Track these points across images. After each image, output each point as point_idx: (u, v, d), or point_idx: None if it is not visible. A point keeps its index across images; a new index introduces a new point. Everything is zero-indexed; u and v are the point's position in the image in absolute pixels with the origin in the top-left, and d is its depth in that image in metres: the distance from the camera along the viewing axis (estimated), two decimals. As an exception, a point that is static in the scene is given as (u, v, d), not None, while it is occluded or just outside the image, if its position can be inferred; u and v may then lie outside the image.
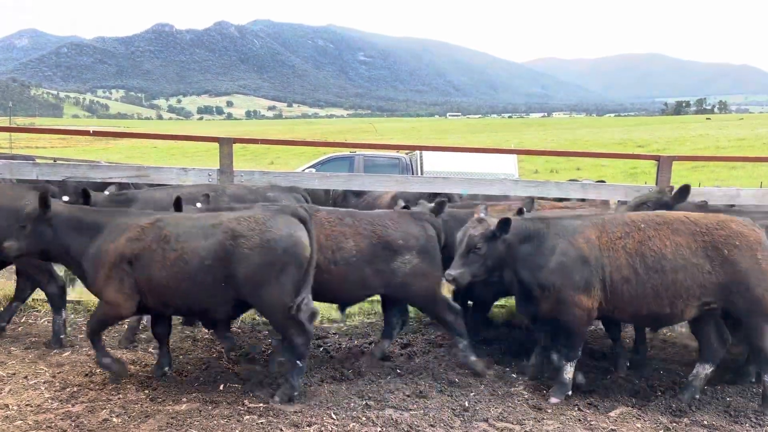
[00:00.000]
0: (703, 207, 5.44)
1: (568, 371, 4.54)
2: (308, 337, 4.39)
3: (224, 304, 4.36)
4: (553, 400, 4.49)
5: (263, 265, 4.18)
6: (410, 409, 4.29)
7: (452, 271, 4.47)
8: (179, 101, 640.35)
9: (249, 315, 6.49)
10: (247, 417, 4.08)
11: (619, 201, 6.19)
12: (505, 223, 4.39)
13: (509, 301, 6.57)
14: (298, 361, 4.35)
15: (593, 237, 4.37)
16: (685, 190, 5.43)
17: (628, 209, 5.41)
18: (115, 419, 3.99)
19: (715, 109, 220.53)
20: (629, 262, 4.28)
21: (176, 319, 6.25)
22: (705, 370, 4.55)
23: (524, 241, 4.49)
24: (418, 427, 4.04)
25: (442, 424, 4.11)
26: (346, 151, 14.43)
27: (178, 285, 4.23)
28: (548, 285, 4.38)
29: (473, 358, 5.00)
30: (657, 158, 6.94)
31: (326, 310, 6.70)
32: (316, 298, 4.62)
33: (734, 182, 25.52)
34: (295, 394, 4.35)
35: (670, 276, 4.23)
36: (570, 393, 4.54)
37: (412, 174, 13.29)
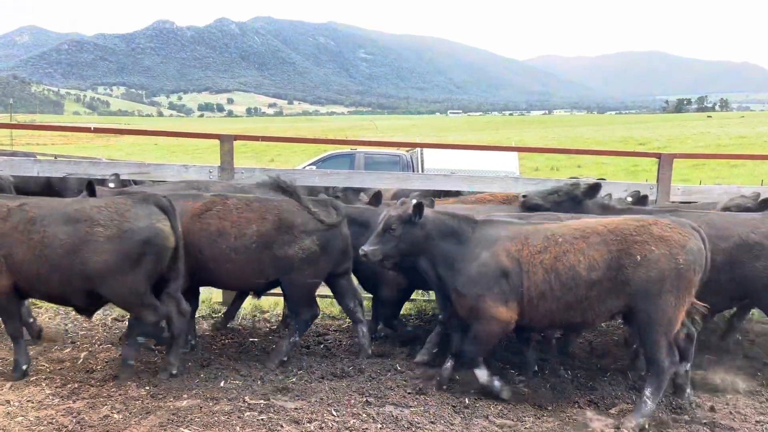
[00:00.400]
0: (606, 207, 5.40)
1: (482, 375, 4.44)
2: (160, 316, 4.51)
3: (79, 293, 4.41)
4: (505, 395, 4.41)
5: (118, 255, 4.25)
6: (410, 406, 4.30)
7: (366, 247, 4.46)
8: (180, 98, 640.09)
9: (249, 312, 6.51)
10: (248, 414, 4.09)
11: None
12: (418, 208, 4.36)
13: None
14: (138, 338, 4.57)
15: (514, 250, 4.25)
16: (595, 187, 5.44)
17: (539, 195, 5.42)
18: (115, 415, 4.00)
19: (716, 107, 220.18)
20: (546, 278, 4.16)
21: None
22: (684, 367, 4.48)
23: (446, 237, 4.41)
24: (419, 423, 4.04)
25: (443, 421, 4.12)
26: (347, 149, 14.41)
27: (39, 269, 4.27)
28: (466, 293, 4.30)
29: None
30: (658, 156, 6.94)
31: (326, 307, 6.71)
32: (224, 286, 5.23)
33: (735, 180, 25.49)
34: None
35: (583, 291, 4.11)
36: (498, 386, 4.42)
37: (413, 171, 13.29)
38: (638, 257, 4.04)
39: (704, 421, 4.27)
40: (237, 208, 4.88)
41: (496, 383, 4.44)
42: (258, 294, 5.40)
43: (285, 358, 5.02)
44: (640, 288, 4.04)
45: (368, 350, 5.26)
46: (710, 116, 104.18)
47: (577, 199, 5.39)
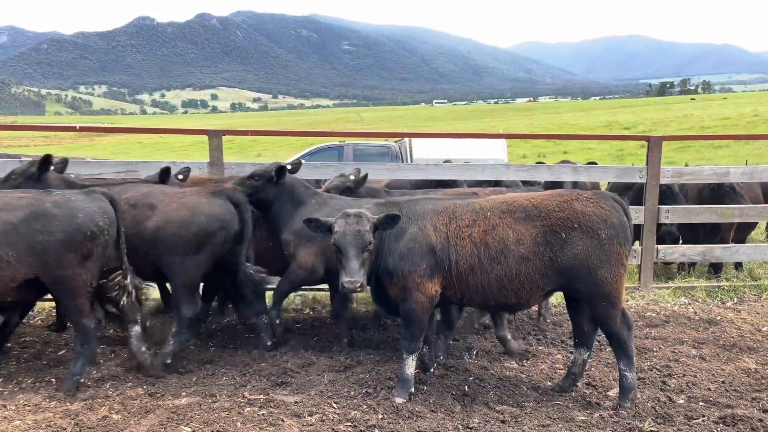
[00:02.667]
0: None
1: (410, 366, 4.28)
2: None
3: None
4: (398, 400, 4.18)
5: None
6: (411, 395, 4.29)
7: (353, 277, 3.88)
8: (163, 95, 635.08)
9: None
10: (248, 409, 4.07)
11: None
12: (394, 218, 4.06)
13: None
14: None
15: (441, 224, 4.17)
16: (282, 170, 5.28)
17: (238, 182, 5.29)
18: (114, 416, 3.96)
19: (699, 89, 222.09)
20: (475, 252, 4.08)
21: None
22: (584, 355, 4.52)
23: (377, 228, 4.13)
24: (419, 413, 4.05)
25: (443, 409, 4.13)
26: (335, 141, 14.33)
27: None
28: (396, 271, 4.14)
29: None
30: (647, 139, 6.98)
31: (322, 298, 6.70)
32: None
33: (720, 161, 25.76)
34: None
35: (514, 268, 4.04)
36: (413, 390, 4.28)
37: (402, 162, 13.26)
38: (563, 234, 4.00)
39: (701, 400, 4.31)
40: None
41: (412, 384, 4.30)
42: None
43: None
44: (569, 265, 4.01)
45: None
46: (694, 99, 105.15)
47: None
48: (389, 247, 4.18)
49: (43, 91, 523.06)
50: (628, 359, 4.15)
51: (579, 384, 4.54)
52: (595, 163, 7.46)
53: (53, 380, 4.53)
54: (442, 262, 4.14)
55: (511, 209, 4.16)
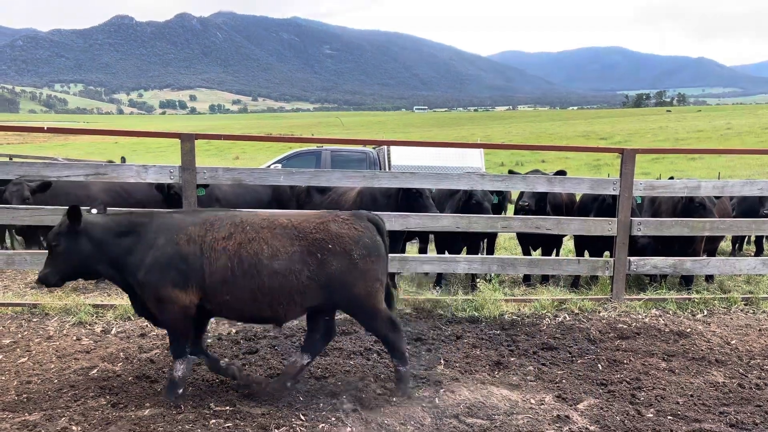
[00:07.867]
0: None
1: (178, 369, 4.30)
2: None
3: None
4: (169, 400, 4.23)
5: None
6: (380, 407, 4.24)
7: (39, 271, 4.23)
8: (140, 95, 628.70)
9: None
10: (213, 421, 3.97)
11: None
12: (72, 214, 4.11)
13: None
14: None
15: (196, 235, 4.18)
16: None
17: None
18: (74, 427, 3.84)
19: (674, 102, 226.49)
20: (228, 264, 4.12)
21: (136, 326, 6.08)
22: (306, 360, 4.57)
23: (122, 236, 4.20)
24: (389, 425, 3.99)
25: (413, 422, 4.07)
26: (313, 146, 14.24)
27: None
28: (146, 283, 4.13)
29: None
30: (621, 151, 7.04)
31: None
32: None
33: (693, 172, 26.19)
34: None
35: (267, 281, 4.09)
36: (181, 391, 4.28)
37: (380, 169, 13.22)
38: (319, 255, 4.14)
39: (670, 414, 4.32)
40: None
41: (181, 385, 4.31)
42: None
43: None
44: (327, 283, 4.16)
45: None
46: (669, 110, 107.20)
47: None
48: (138, 260, 4.17)
49: (18, 89, 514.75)
50: (400, 355, 4.46)
51: (549, 397, 4.53)
52: (564, 173, 7.51)
53: (11, 390, 4.39)
54: (195, 272, 4.12)
55: (271, 225, 4.24)
